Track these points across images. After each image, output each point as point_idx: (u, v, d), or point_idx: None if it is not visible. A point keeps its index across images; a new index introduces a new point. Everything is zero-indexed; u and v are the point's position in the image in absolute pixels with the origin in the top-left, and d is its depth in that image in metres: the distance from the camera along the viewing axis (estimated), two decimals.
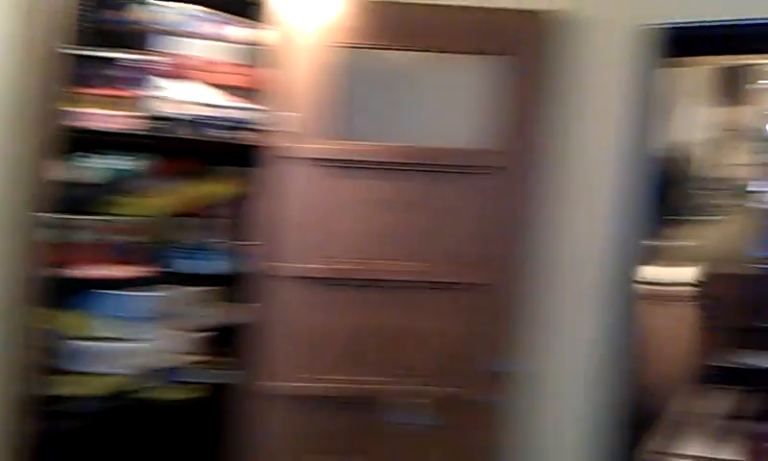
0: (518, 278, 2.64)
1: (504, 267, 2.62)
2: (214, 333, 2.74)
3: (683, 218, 4.65)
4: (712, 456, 3.92)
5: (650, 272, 3.92)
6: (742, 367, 4.90)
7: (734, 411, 4.46)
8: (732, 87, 5.08)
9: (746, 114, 5.37)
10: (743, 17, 2.50)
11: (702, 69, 4.60)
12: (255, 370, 2.61)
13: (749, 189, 5.55)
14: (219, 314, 2.74)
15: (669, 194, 4.37)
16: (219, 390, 2.69)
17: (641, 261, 2.78)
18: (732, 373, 4.84)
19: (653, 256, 4.01)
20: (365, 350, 2.62)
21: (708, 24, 2.56)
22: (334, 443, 2.64)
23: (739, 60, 4.43)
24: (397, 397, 2.59)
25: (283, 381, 2.60)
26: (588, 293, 2.68)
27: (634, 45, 2.59)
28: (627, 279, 2.66)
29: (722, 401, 4.61)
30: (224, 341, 2.71)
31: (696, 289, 4.60)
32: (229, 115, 2.62)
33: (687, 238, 4.65)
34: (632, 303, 2.70)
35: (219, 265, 2.71)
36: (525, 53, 2.60)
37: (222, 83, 2.64)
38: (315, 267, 2.60)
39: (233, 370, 2.67)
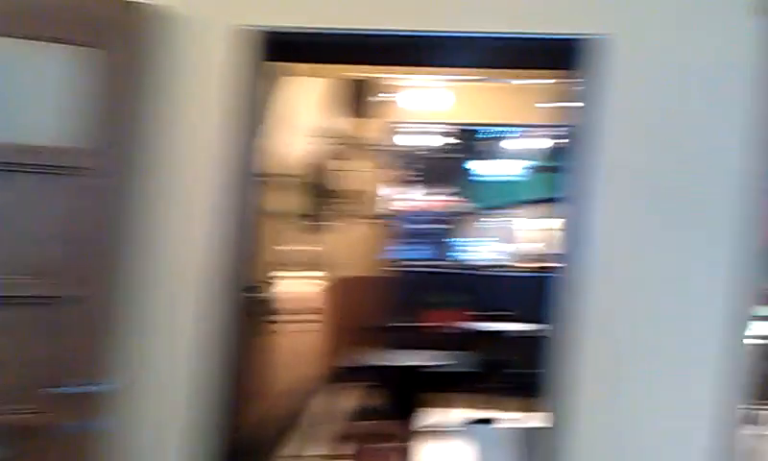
0: (111, 289, 2.42)
1: (95, 278, 2.38)
2: None
3: (310, 225, 4.76)
4: (332, 454, 4.06)
5: (278, 280, 3.94)
6: (368, 366, 5.18)
7: (357, 410, 4.68)
8: (357, 100, 5.34)
9: (370, 126, 5.70)
10: (348, 27, 2.54)
11: (327, 80, 4.75)
12: None
13: (374, 197, 5.91)
14: None
15: (295, 202, 4.44)
16: None
17: (258, 269, 2.73)
18: (358, 372, 5.08)
19: (277, 264, 4.04)
20: None
21: (311, 31, 2.57)
22: None
23: (362, 72, 4.66)
24: None
25: None
26: (189, 304, 2.55)
27: (235, 47, 2.53)
28: (235, 288, 2.58)
29: (348, 401, 4.81)
30: None
31: (324, 294, 4.74)
32: None
33: (316, 245, 4.77)
34: (240, 313, 2.62)
35: None
36: (117, 46, 2.39)
37: None
38: None
39: None
